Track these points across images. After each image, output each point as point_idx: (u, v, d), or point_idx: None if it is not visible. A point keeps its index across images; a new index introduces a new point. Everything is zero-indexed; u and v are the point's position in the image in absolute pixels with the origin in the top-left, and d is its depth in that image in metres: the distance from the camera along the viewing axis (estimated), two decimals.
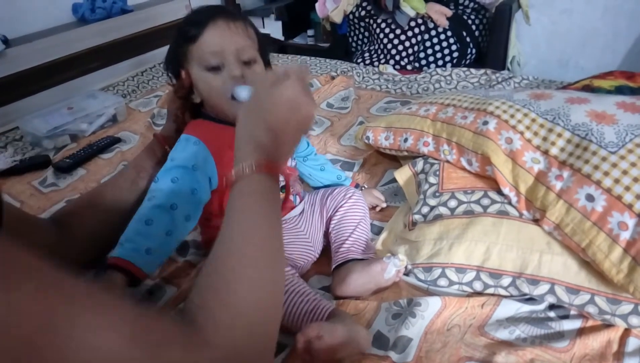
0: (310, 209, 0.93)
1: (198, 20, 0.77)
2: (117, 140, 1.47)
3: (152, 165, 0.83)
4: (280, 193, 0.86)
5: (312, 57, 2.03)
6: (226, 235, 0.50)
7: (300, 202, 0.92)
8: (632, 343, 0.68)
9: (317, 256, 0.90)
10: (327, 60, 1.98)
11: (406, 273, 0.84)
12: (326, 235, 0.92)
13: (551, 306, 0.76)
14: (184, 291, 0.83)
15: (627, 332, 0.70)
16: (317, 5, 2.23)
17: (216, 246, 0.50)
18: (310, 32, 2.77)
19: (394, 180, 1.06)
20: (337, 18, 2.18)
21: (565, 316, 0.74)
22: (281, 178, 0.87)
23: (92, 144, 1.42)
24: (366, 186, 1.08)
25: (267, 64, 0.84)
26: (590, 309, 0.71)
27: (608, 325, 0.71)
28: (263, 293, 0.47)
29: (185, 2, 2.33)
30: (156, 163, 0.83)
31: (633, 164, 0.72)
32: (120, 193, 0.80)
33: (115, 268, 0.66)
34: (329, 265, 0.89)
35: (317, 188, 1.02)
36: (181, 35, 0.78)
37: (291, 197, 0.90)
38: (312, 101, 0.56)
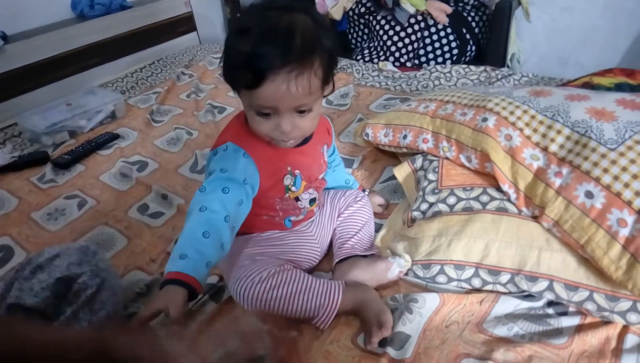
0: (320, 211, 0.92)
1: (257, 66, 0.64)
2: (116, 136, 1.47)
3: None
4: (309, 206, 0.85)
5: None
6: None
7: (319, 210, 0.92)
8: (630, 340, 0.68)
9: (321, 258, 0.90)
10: None
11: (405, 272, 0.84)
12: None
13: (550, 303, 0.76)
14: None
15: (625, 329, 0.70)
16: (316, 2, 2.22)
17: None
18: None
19: (393, 177, 1.06)
20: (337, 15, 2.17)
21: (564, 313, 0.74)
22: (312, 190, 0.85)
23: (91, 141, 1.42)
24: (367, 192, 1.04)
25: (327, 82, 0.75)
26: (589, 306, 0.71)
27: (606, 322, 0.71)
28: None
29: None
30: None
31: (632, 161, 0.71)
32: None
33: (175, 282, 0.61)
34: (327, 262, 0.89)
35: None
36: (235, 71, 0.69)
37: (315, 209, 0.89)
38: None
